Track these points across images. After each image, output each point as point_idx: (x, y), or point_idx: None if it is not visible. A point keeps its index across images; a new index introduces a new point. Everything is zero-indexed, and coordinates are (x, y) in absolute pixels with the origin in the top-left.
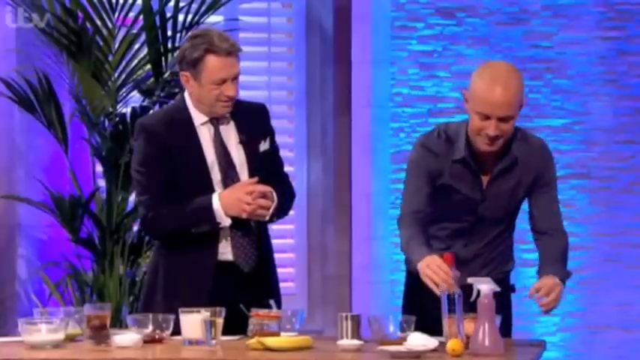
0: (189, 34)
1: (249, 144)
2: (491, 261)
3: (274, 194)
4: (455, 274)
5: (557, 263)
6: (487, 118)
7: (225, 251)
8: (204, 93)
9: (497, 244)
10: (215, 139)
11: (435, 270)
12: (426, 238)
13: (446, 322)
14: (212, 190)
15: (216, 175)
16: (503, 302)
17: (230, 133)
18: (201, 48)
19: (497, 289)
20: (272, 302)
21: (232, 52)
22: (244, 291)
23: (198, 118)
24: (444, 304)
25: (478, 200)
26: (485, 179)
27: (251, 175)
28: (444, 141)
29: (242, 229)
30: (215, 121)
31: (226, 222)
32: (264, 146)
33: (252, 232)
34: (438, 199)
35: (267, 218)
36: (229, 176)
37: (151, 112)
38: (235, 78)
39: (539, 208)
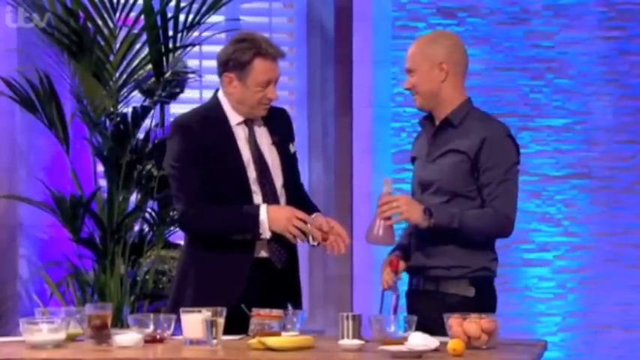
0: (233, 38)
1: (281, 145)
2: (442, 243)
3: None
4: (395, 278)
5: (447, 211)
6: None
7: (261, 249)
8: (248, 94)
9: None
10: (250, 139)
11: (384, 268)
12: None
13: (451, 322)
14: (248, 189)
15: (252, 174)
16: (481, 305)
17: (262, 135)
18: (250, 52)
19: (391, 190)
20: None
21: (277, 56)
22: (274, 287)
23: (234, 118)
24: (381, 300)
25: (424, 164)
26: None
27: (285, 174)
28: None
29: None
30: (250, 122)
31: (267, 235)
32: (293, 148)
33: None
34: None
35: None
36: (264, 175)
37: (185, 112)
38: (277, 81)
39: (482, 182)
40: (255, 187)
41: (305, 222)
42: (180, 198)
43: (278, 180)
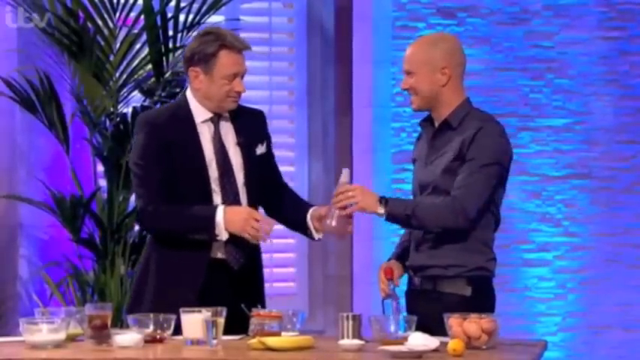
0: (198, 33)
1: (246, 146)
2: (443, 244)
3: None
4: (391, 285)
5: (404, 200)
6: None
7: (217, 250)
8: (214, 88)
9: None
10: (214, 137)
11: (380, 278)
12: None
13: (451, 323)
14: (209, 187)
15: (213, 173)
16: (479, 304)
17: (228, 134)
18: (215, 44)
19: (348, 180)
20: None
21: (243, 49)
22: (234, 289)
23: (200, 115)
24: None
25: (423, 166)
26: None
27: (247, 176)
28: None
29: None
30: (216, 118)
31: (224, 237)
32: (260, 150)
33: None
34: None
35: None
36: (226, 175)
37: (152, 109)
38: (244, 75)
39: (457, 177)
40: (215, 187)
41: (269, 224)
42: (141, 195)
43: (240, 180)
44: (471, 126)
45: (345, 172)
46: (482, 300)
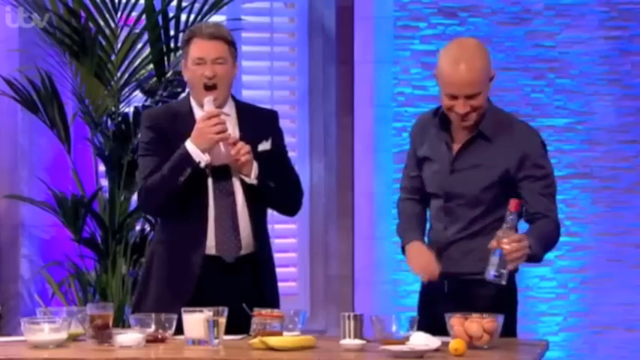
0: None
1: (246, 142)
2: (472, 251)
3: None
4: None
5: (533, 237)
6: (455, 97)
7: (211, 245)
8: (189, 76)
9: (478, 231)
10: None
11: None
12: (418, 219)
13: (452, 322)
14: (206, 181)
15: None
16: (505, 301)
17: (230, 130)
18: (188, 35)
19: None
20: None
21: (216, 35)
22: (230, 285)
23: (199, 111)
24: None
25: (447, 172)
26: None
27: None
28: (432, 114)
29: (225, 218)
30: None
31: (203, 158)
32: (263, 146)
33: (236, 219)
34: (421, 171)
35: (253, 177)
36: (221, 168)
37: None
38: (216, 61)
39: (527, 195)
40: (210, 181)
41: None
42: (139, 170)
43: (236, 175)
44: (510, 142)
45: (210, 101)
46: (513, 291)
